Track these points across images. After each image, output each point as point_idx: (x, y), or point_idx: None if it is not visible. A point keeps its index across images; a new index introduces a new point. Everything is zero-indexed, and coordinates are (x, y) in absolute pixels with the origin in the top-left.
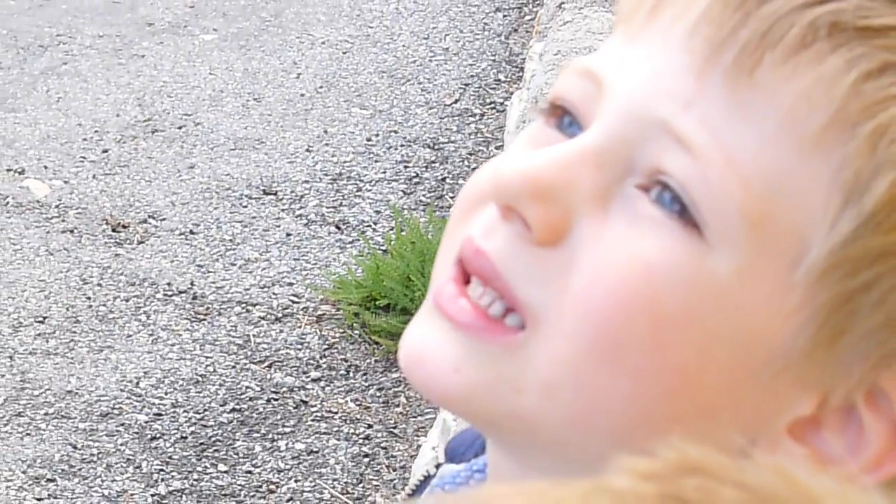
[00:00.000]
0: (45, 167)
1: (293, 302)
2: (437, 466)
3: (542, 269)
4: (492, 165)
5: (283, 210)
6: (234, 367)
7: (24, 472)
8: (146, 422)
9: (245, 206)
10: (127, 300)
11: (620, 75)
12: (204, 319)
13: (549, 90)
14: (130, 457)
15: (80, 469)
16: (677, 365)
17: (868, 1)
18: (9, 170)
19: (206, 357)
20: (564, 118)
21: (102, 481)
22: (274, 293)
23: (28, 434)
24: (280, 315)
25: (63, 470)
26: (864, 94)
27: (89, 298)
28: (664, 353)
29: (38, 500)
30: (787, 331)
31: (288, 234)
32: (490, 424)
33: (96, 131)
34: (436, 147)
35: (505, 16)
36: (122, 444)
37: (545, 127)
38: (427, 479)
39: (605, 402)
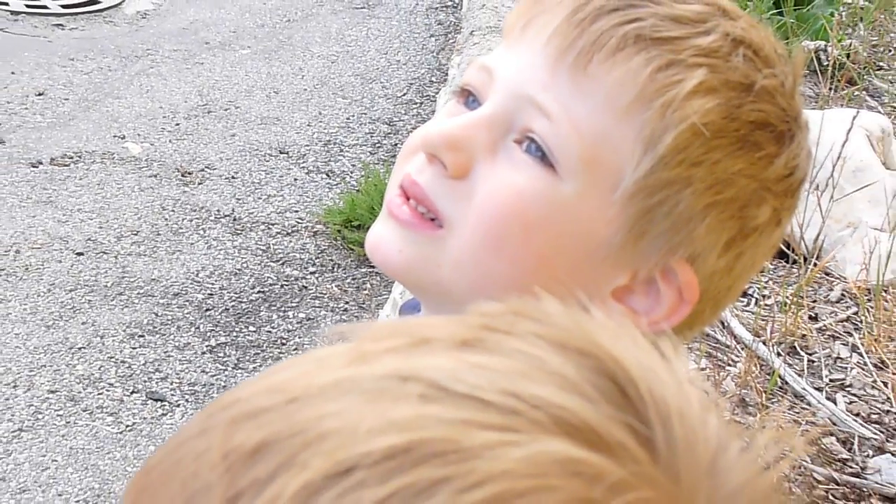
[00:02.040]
0: (138, 134)
1: (298, 223)
2: None
3: (454, 193)
4: (421, 129)
5: (292, 164)
6: (259, 264)
7: (123, 332)
8: (202, 299)
9: (268, 161)
10: (191, 221)
11: (504, 69)
12: (240, 234)
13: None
14: (192, 322)
15: (159, 329)
16: (538, 252)
17: (659, 21)
18: (114, 136)
19: (242, 258)
20: (469, 98)
21: (174, 337)
22: (286, 217)
23: (126, 307)
24: (290, 231)
25: (149, 330)
26: (657, 81)
27: (166, 220)
28: (529, 244)
29: (132, 349)
30: (609, 232)
31: (295, 179)
32: (421, 289)
33: (171, 111)
34: (391, 124)
35: (436, 40)
36: (187, 314)
37: (456, 104)
38: None
39: (492, 276)
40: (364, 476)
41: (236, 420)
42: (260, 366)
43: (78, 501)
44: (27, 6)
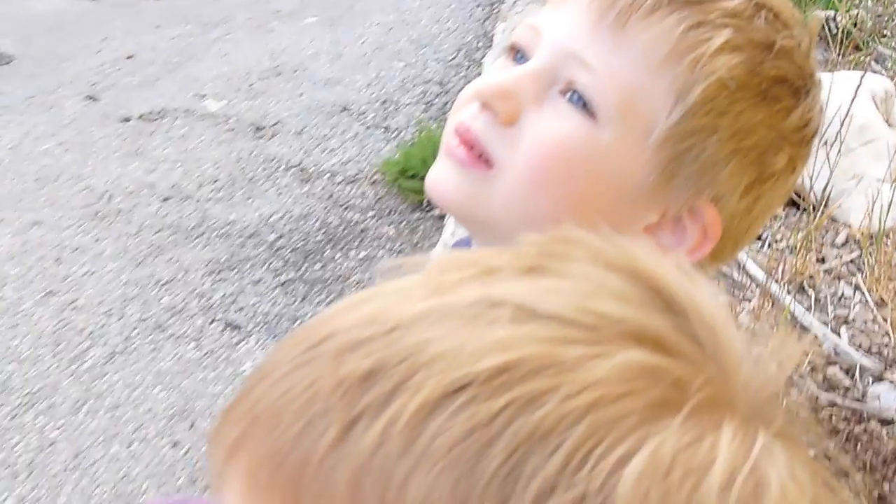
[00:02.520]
0: (217, 93)
1: (359, 172)
2: None
3: (503, 138)
4: (475, 82)
5: (353, 120)
6: (324, 209)
7: (204, 268)
8: (273, 240)
9: (331, 118)
10: (263, 170)
11: (550, 28)
12: (307, 182)
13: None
14: (265, 260)
15: (236, 266)
16: (579, 191)
17: None
18: (195, 95)
19: (308, 203)
20: (517, 54)
21: (250, 273)
22: (348, 167)
23: (206, 246)
24: (351, 180)
25: (226, 266)
26: (688, 38)
27: (242, 169)
28: (571, 185)
29: (212, 283)
30: (643, 174)
31: (356, 134)
32: (473, 223)
33: (246, 73)
34: (442, 85)
35: (483, 9)
36: (261, 252)
37: (506, 60)
38: None
39: (536, 212)
40: (476, 392)
41: (341, 351)
42: (325, 299)
43: (164, 417)
44: None
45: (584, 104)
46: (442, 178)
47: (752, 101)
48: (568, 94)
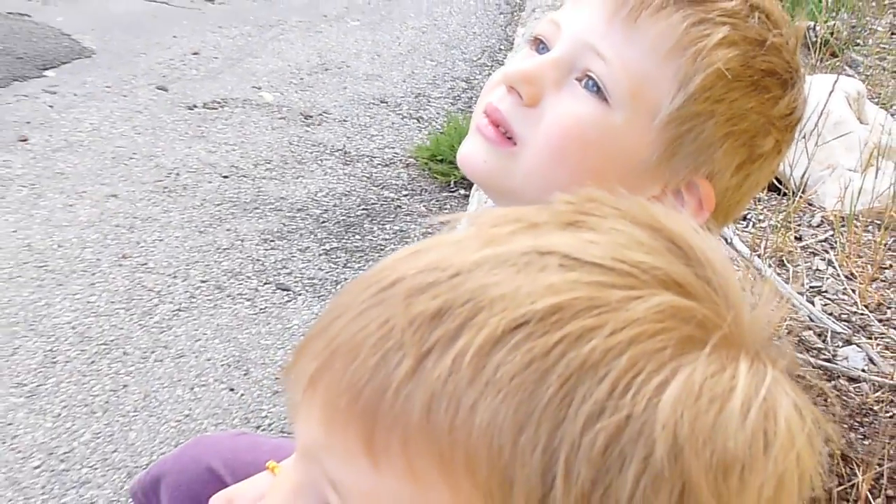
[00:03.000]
0: (271, 86)
1: (394, 156)
2: None
3: (527, 118)
4: (502, 68)
5: (390, 111)
6: (364, 188)
7: (258, 237)
8: (319, 213)
9: (371, 109)
10: (311, 153)
11: (570, 22)
12: (349, 164)
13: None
14: (311, 231)
15: (286, 235)
16: (592, 166)
17: None
18: (252, 87)
19: (350, 183)
20: (540, 45)
21: (298, 242)
22: (385, 152)
23: (260, 218)
24: (387, 163)
25: (277, 236)
26: (690, 34)
27: (292, 152)
28: (585, 160)
29: (265, 250)
30: (648, 152)
31: (392, 123)
32: (498, 194)
33: (297, 68)
34: (468, 81)
35: (504, 16)
36: (307, 224)
37: (529, 50)
38: None
39: (554, 185)
40: (533, 329)
41: (410, 293)
42: (363, 266)
43: (222, 365)
44: None
45: (598, 90)
46: (472, 153)
47: (745, 90)
48: (584, 81)
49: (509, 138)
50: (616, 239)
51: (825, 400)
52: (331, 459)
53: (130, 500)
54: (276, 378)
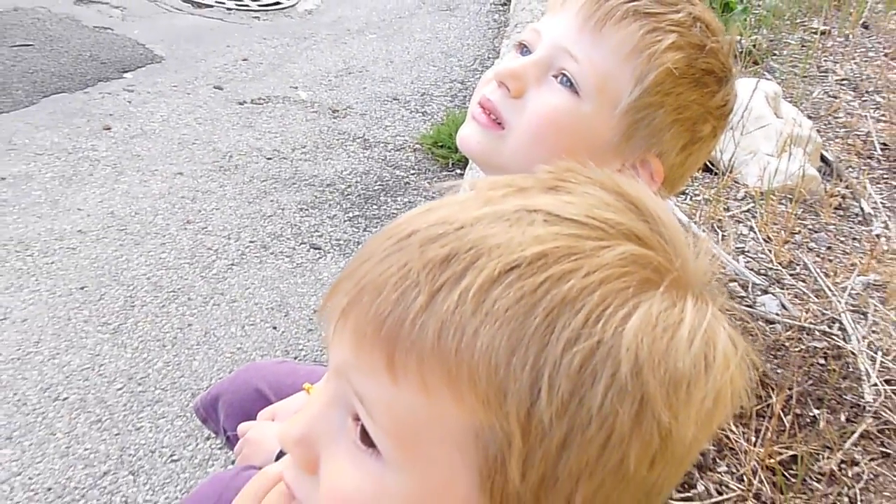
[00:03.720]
0: (306, 86)
1: (404, 143)
2: None
3: (513, 107)
4: (494, 67)
5: (400, 107)
6: (380, 168)
7: (295, 206)
8: (344, 188)
9: (385, 105)
10: (337, 139)
11: (548, 30)
12: (368, 149)
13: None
14: (338, 202)
15: (318, 206)
16: (566, 147)
17: (649, 2)
18: (290, 87)
19: (369, 164)
20: (524, 49)
21: (328, 211)
22: (396, 139)
23: (297, 191)
24: (399, 148)
25: (311, 206)
26: (645, 40)
27: (322, 139)
28: (560, 142)
29: (301, 217)
30: (610, 135)
31: (403, 116)
32: (489, 168)
33: (326, 72)
34: (463, 83)
35: (492, 31)
36: (335, 196)
37: (515, 54)
38: None
39: (535, 160)
40: (523, 271)
41: (424, 242)
42: (379, 229)
43: (267, 308)
44: (237, 5)
45: (571, 85)
46: (469, 135)
47: (689, 86)
48: (559, 78)
49: (499, 123)
50: (588, 201)
51: (749, 335)
52: (358, 377)
53: (194, 414)
54: (310, 318)
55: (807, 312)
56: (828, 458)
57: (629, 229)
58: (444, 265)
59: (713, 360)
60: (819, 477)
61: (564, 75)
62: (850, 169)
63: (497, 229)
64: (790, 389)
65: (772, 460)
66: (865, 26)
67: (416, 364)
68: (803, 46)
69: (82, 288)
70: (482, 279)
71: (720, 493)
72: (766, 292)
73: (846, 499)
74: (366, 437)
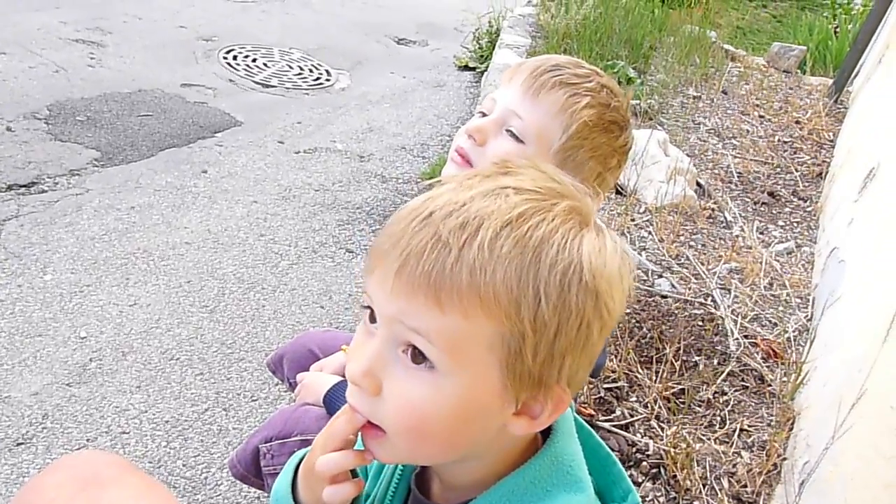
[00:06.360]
0: (342, 140)
1: (411, 178)
2: None
3: (479, 152)
4: (466, 125)
5: (407, 153)
6: (393, 195)
7: (335, 223)
8: (369, 210)
9: (397, 152)
10: (364, 176)
11: (501, 98)
12: (385, 183)
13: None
14: (364, 219)
15: (351, 223)
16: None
17: (570, 76)
18: (331, 140)
19: (385, 193)
20: (485, 112)
21: (357, 226)
22: (405, 175)
23: (336, 213)
24: (407, 181)
25: (346, 223)
26: (569, 101)
27: (353, 177)
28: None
29: (339, 231)
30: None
31: (409, 160)
32: None
33: (355, 131)
34: (450, 136)
35: (471, 100)
36: (362, 215)
37: (478, 115)
38: None
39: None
40: (513, 225)
41: (443, 217)
42: None
43: (317, 294)
44: (293, 85)
45: (516, 138)
46: (449, 172)
47: (600, 133)
48: (508, 132)
49: (469, 163)
50: (532, 176)
51: (644, 308)
52: (413, 317)
53: (266, 368)
54: (347, 301)
55: (689, 290)
56: (705, 390)
57: (561, 191)
58: (462, 230)
59: (626, 269)
60: (700, 403)
61: (510, 130)
62: (717, 190)
63: (487, 202)
64: (678, 343)
65: (667, 392)
66: (724, 92)
67: (458, 298)
68: (683, 107)
69: (188, 282)
70: (490, 235)
71: (632, 416)
72: (660, 276)
73: (719, 418)
74: (416, 359)
